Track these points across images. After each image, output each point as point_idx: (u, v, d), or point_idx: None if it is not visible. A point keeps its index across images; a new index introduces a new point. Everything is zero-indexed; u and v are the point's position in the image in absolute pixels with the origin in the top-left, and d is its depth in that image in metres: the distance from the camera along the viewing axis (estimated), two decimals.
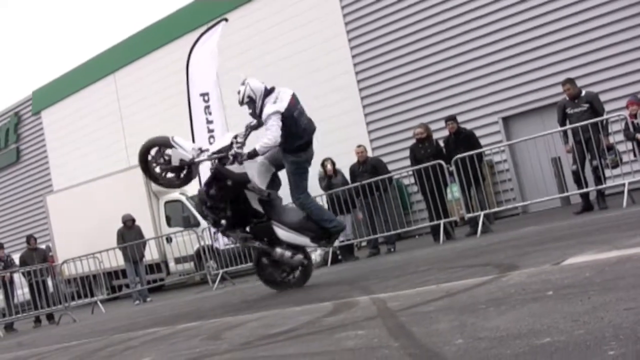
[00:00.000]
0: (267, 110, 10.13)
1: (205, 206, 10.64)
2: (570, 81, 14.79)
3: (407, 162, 19.24)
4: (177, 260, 22.43)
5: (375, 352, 4.51)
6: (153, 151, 10.55)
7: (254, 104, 10.44)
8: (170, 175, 10.64)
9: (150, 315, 13.41)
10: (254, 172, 10.39)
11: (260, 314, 8.44)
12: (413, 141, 15.81)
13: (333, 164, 16.54)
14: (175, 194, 23.00)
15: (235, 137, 10.50)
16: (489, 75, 20.05)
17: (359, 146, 16.56)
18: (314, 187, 16.64)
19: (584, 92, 14.64)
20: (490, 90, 20.04)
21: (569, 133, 14.30)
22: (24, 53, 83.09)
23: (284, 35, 24.20)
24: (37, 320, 19.62)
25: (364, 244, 17.68)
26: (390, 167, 17.76)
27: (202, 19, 25.22)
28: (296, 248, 10.61)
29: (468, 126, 16.67)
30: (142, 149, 10.62)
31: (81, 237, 23.92)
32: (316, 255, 16.31)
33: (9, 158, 35.45)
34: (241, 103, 10.58)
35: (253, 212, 10.49)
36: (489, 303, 5.48)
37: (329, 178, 16.44)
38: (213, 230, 11.47)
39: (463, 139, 15.03)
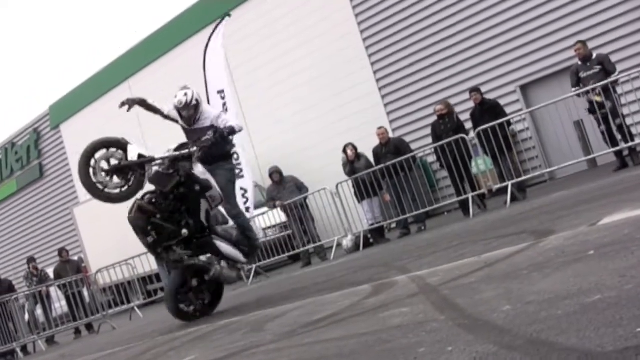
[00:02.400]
0: (214, 112, 10.39)
1: (155, 217, 9.53)
2: (581, 42, 14.81)
3: (430, 140, 19.22)
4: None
5: (423, 326, 4.48)
6: (99, 154, 9.39)
7: (197, 109, 10.19)
8: (115, 180, 9.41)
9: None
10: (211, 180, 9.93)
11: (300, 303, 8.42)
12: (434, 118, 15.72)
13: (354, 148, 16.48)
14: None
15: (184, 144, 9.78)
16: (502, 45, 19.90)
17: (380, 128, 16.50)
18: (339, 173, 16.68)
19: (594, 55, 14.62)
20: (505, 59, 19.89)
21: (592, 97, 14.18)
22: (38, 69, 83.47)
23: (296, 25, 24.12)
24: (77, 331, 19.75)
25: (393, 225, 17.61)
26: (412, 146, 17.69)
27: (210, 17, 25.20)
28: (232, 263, 10.21)
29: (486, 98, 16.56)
30: (88, 148, 9.35)
31: (112, 245, 23.99)
32: (347, 240, 16.31)
33: (32, 174, 35.61)
34: (187, 104, 10.10)
35: (199, 226, 9.86)
36: (531, 268, 5.43)
37: (351, 163, 16.38)
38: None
39: (488, 109, 14.93)
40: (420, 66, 21.56)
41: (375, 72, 22.55)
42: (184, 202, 9.60)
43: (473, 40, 20.45)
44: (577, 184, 13.39)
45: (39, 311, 20.68)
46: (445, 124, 15.10)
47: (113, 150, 9.39)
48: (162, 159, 9.48)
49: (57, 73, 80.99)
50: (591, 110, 14.21)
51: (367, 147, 16.81)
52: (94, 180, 9.29)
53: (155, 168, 9.47)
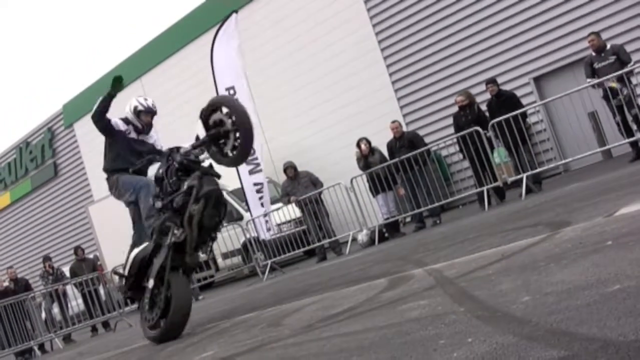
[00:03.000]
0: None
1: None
2: (595, 33, 14.74)
3: (444, 133, 19.21)
4: (225, 256, 22.49)
5: (442, 318, 4.48)
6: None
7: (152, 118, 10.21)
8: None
9: (204, 312, 13.44)
10: None
11: (316, 298, 8.42)
12: (449, 110, 15.73)
13: (368, 142, 16.48)
14: None
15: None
16: (515, 37, 19.87)
17: (394, 122, 16.49)
18: (353, 167, 16.70)
19: (609, 45, 14.56)
20: (519, 51, 19.86)
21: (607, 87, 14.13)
22: (51, 68, 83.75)
23: (307, 21, 24.14)
24: (94, 329, 19.83)
25: (408, 219, 17.62)
26: (426, 139, 17.69)
27: (221, 15, 25.20)
28: None
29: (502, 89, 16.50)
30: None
31: (127, 242, 23.97)
32: (362, 235, 16.33)
33: (47, 173, 35.76)
34: (153, 108, 10.39)
35: None
36: (549, 260, 5.42)
37: (365, 157, 16.38)
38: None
39: (504, 101, 14.91)
40: (433, 60, 21.54)
41: (388, 67, 22.54)
42: None
43: (486, 32, 20.41)
44: (592, 176, 13.34)
45: (55, 309, 20.78)
46: (466, 115, 15.05)
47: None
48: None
49: (71, 72, 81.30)
50: (606, 98, 14.14)
51: (381, 141, 16.82)
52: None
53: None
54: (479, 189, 14.97)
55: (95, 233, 27.71)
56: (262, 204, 18.18)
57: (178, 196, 8.56)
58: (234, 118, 8.40)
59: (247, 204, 18.75)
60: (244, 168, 18.10)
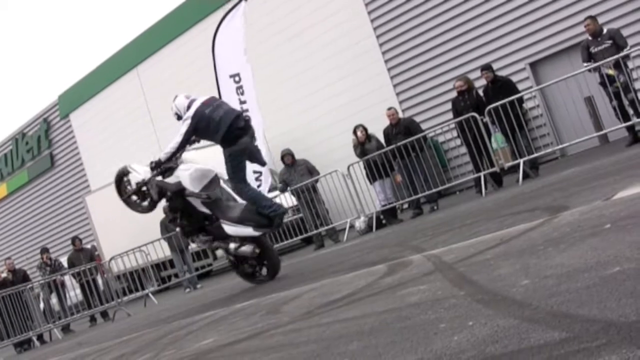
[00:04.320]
0: (181, 122, 10.97)
1: (169, 220, 11.46)
2: (591, 17, 14.69)
3: (440, 119, 19.20)
4: None
5: (442, 303, 4.48)
6: (121, 185, 11.46)
7: (180, 119, 11.06)
8: (134, 199, 11.36)
9: (203, 300, 13.45)
10: (187, 180, 10.94)
11: (315, 285, 8.42)
12: (445, 97, 15.72)
13: (365, 129, 16.46)
14: None
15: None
16: (511, 22, 19.81)
17: (389, 109, 16.46)
18: (350, 155, 16.69)
19: (605, 30, 14.52)
20: (514, 37, 19.81)
21: (602, 72, 14.11)
22: (46, 58, 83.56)
23: (303, 8, 24.11)
24: (92, 319, 19.85)
25: (406, 205, 17.63)
26: (423, 126, 17.68)
27: (218, 2, 25.21)
28: (246, 239, 11.03)
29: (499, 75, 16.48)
30: (115, 184, 11.56)
31: (125, 232, 24.08)
32: (360, 222, 16.33)
33: (44, 164, 35.72)
34: (177, 115, 11.24)
35: (203, 215, 11.12)
36: (547, 244, 5.42)
37: (362, 144, 16.37)
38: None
39: (501, 86, 14.89)
40: (429, 46, 21.51)
41: (384, 53, 22.50)
42: (175, 204, 11.11)
43: (482, 18, 20.37)
44: (589, 160, 13.34)
45: (54, 300, 20.79)
46: (465, 100, 15.03)
47: (126, 178, 11.40)
48: (152, 177, 11.10)
49: (66, 62, 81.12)
50: (603, 84, 14.13)
51: (377, 128, 16.81)
52: (131, 203, 11.38)
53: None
54: (476, 175, 14.98)
55: (93, 223, 27.67)
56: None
57: None
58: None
59: None
60: None
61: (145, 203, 11.27)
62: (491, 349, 3.12)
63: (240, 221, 10.90)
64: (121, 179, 11.42)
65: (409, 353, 3.51)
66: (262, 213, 10.94)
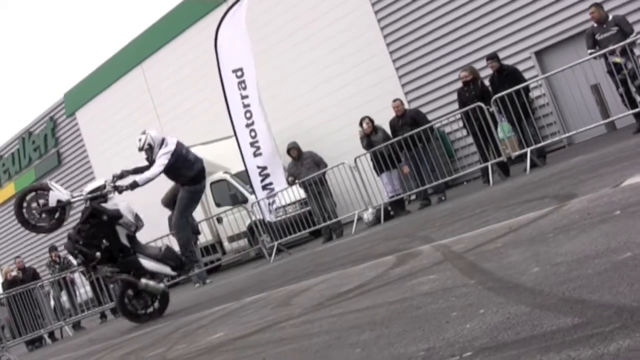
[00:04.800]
0: (160, 152, 11.78)
1: (78, 244, 11.23)
2: (596, 5, 14.61)
3: (446, 110, 19.17)
4: (231, 239, 22.52)
5: (453, 291, 4.49)
6: (29, 196, 11.24)
7: (152, 151, 11.91)
8: (44, 216, 11.23)
9: (213, 295, 13.47)
10: (125, 209, 11.42)
11: (324, 277, 8.44)
12: (451, 87, 15.68)
13: (371, 121, 16.43)
14: (219, 174, 23.15)
15: (106, 182, 11.51)
16: (516, 11, 19.73)
17: (395, 100, 16.43)
18: (357, 147, 16.68)
19: (611, 17, 14.45)
20: (519, 26, 19.73)
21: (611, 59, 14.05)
22: (51, 57, 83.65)
23: (305, 1, 24.07)
24: (103, 315, 19.90)
25: (413, 197, 17.62)
26: (429, 116, 17.65)
27: None
28: (154, 277, 11.60)
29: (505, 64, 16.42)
30: (20, 193, 11.46)
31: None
32: (368, 214, 16.32)
33: (51, 163, 35.76)
34: (140, 149, 12.01)
35: (121, 246, 11.39)
36: (557, 231, 5.42)
37: (368, 136, 16.35)
38: (78, 266, 12.48)
39: (507, 76, 14.85)
40: (433, 37, 21.45)
41: (388, 45, 22.46)
42: (101, 230, 11.21)
43: (486, 7, 20.30)
44: (596, 148, 13.30)
45: (64, 297, 20.83)
46: (470, 91, 15.00)
47: (41, 192, 11.27)
48: (77, 200, 11.36)
49: (71, 61, 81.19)
50: (610, 73, 14.08)
51: (384, 119, 16.77)
52: (27, 218, 11.14)
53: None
54: (483, 165, 14.96)
55: None
56: (265, 186, 18.19)
57: None
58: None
59: (251, 186, 18.74)
60: (248, 151, 18.14)
61: (48, 223, 11.28)
62: (503, 335, 3.13)
63: (161, 259, 11.60)
64: (28, 193, 11.33)
65: (421, 342, 3.52)
66: (180, 257, 12.03)
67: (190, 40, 27.54)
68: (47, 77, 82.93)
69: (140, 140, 11.98)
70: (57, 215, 11.20)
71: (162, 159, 11.67)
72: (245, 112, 18.15)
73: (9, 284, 19.88)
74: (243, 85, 18.09)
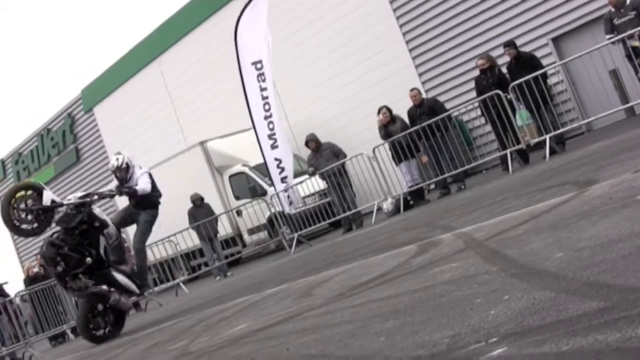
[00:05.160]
0: (140, 172, 12.50)
1: (62, 249, 10.81)
2: None
3: (464, 98, 19.09)
4: (251, 231, 22.58)
5: (475, 279, 4.48)
6: (19, 194, 10.86)
7: (127, 170, 12.33)
8: (29, 218, 10.86)
9: (234, 287, 13.51)
10: (109, 220, 11.69)
11: (345, 267, 8.44)
12: (468, 75, 15.61)
13: (389, 110, 16.40)
14: (238, 167, 23.19)
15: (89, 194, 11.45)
16: None
17: (412, 90, 16.39)
18: (376, 137, 16.65)
19: (628, 1, 14.36)
20: (536, 12, 19.61)
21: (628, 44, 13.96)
22: (67, 53, 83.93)
23: None
24: None
25: (432, 186, 17.57)
26: (447, 105, 17.62)
27: None
28: (123, 294, 11.48)
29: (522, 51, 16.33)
30: (11, 189, 11.03)
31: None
32: (387, 204, 16.30)
33: (69, 159, 35.91)
34: (118, 168, 12.35)
35: (99, 258, 11.23)
36: (578, 217, 5.40)
37: (385, 126, 16.31)
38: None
39: (524, 62, 14.79)
40: (449, 25, 21.35)
41: (404, 34, 22.39)
42: (86, 237, 11.02)
43: None
44: (616, 134, 13.22)
45: None
46: (487, 79, 14.94)
47: (30, 192, 10.92)
48: (68, 204, 10.98)
49: (87, 57, 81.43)
50: (629, 57, 13.99)
51: (403, 109, 16.72)
52: (11, 217, 10.69)
53: (62, 211, 10.97)
54: (502, 152, 14.90)
55: None
56: (283, 179, 18.19)
57: None
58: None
59: (270, 178, 18.76)
60: (266, 143, 18.15)
61: (30, 226, 10.88)
62: (529, 321, 3.12)
63: (130, 277, 11.66)
64: (20, 190, 10.96)
65: (446, 328, 3.51)
66: (140, 278, 12.33)
67: (206, 34, 27.56)
68: (64, 74, 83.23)
69: (117, 159, 12.36)
70: (43, 218, 10.88)
71: (146, 178, 12.38)
72: (264, 104, 18.14)
73: (31, 280, 19.98)
74: (262, 77, 18.09)
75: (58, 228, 11.02)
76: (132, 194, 12.31)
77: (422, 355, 3.21)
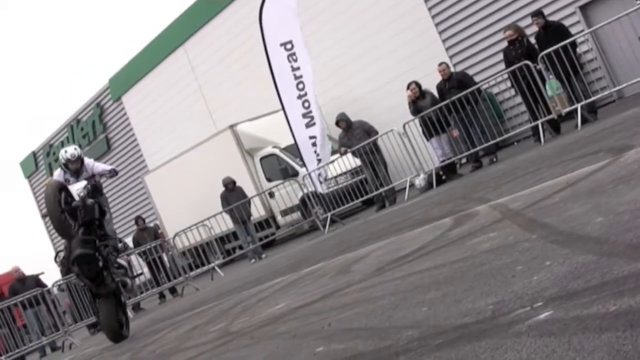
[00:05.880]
0: (98, 163, 11.83)
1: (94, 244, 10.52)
2: None
3: (493, 71, 18.94)
4: (284, 213, 22.62)
5: (515, 247, 4.46)
6: (61, 196, 10.13)
7: (82, 164, 11.19)
8: (69, 219, 10.23)
9: (270, 268, 13.55)
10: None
11: (381, 243, 8.42)
12: (496, 47, 15.49)
13: (418, 86, 16.31)
14: (268, 149, 23.22)
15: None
16: None
17: (440, 64, 16.31)
18: (406, 113, 16.58)
19: None
20: None
21: None
22: (94, 43, 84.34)
23: None
24: (162, 295, 20.12)
25: (464, 160, 17.48)
26: (476, 78, 17.49)
27: None
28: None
29: (550, 20, 16.18)
30: (52, 190, 10.05)
31: (186, 208, 24.37)
32: (420, 179, 16.24)
33: (100, 148, 36.11)
34: (73, 160, 11.12)
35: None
36: (616, 182, 5.35)
37: (414, 102, 16.24)
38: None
39: (553, 32, 14.65)
40: None
41: (430, 9, 22.25)
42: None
43: None
44: None
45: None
46: (516, 49, 14.82)
47: (63, 190, 10.31)
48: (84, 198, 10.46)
49: (113, 45, 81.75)
50: None
51: (432, 83, 16.63)
52: (65, 222, 10.08)
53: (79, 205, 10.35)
54: (533, 123, 14.79)
55: (154, 202, 28.02)
56: (318, 159, 18.19)
57: None
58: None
59: (301, 159, 18.76)
60: (300, 123, 18.17)
61: (75, 225, 10.27)
62: (573, 284, 3.10)
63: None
64: (62, 191, 10.22)
65: (489, 296, 3.50)
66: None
67: (232, 18, 27.53)
68: (91, 64, 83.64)
69: (74, 154, 11.13)
70: (78, 215, 10.29)
71: (106, 166, 11.87)
72: (298, 84, 18.15)
73: (68, 270, 20.15)
74: (294, 57, 18.07)
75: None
76: (114, 174, 11.76)
77: (467, 322, 3.21)
